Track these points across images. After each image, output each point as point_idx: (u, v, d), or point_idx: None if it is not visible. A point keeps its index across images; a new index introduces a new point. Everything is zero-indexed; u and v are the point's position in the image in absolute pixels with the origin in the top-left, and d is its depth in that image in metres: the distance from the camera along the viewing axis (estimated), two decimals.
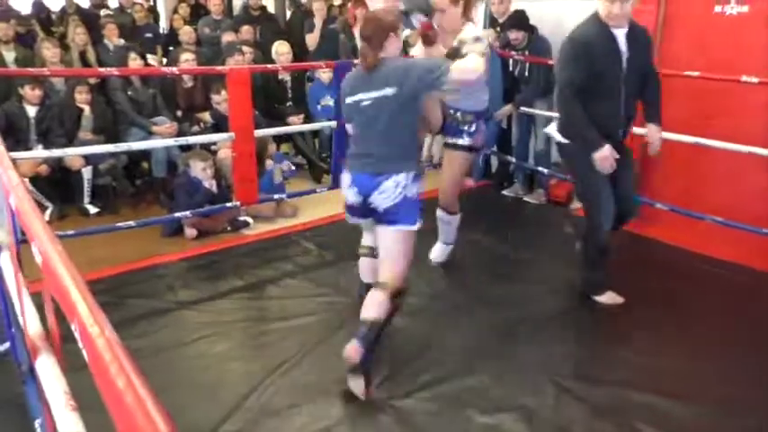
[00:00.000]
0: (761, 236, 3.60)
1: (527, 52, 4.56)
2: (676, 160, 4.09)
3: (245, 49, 5.35)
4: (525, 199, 4.83)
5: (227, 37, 5.72)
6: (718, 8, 3.80)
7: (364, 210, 2.53)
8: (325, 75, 5.24)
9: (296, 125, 4.94)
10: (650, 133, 3.06)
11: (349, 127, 2.64)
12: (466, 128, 3.25)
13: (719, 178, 3.89)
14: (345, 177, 2.56)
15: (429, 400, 2.43)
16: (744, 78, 3.44)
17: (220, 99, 4.50)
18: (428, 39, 3.01)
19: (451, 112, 3.22)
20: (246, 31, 6.06)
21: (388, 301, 2.48)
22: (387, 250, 2.53)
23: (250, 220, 4.25)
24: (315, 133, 5.42)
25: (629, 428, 2.27)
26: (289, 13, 8.02)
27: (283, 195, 4.31)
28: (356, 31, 5.96)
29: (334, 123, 4.32)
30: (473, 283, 3.46)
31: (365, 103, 2.48)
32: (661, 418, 2.33)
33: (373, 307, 2.46)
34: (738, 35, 3.70)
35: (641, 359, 2.70)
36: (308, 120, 5.20)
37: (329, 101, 5.11)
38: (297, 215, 4.45)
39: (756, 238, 3.64)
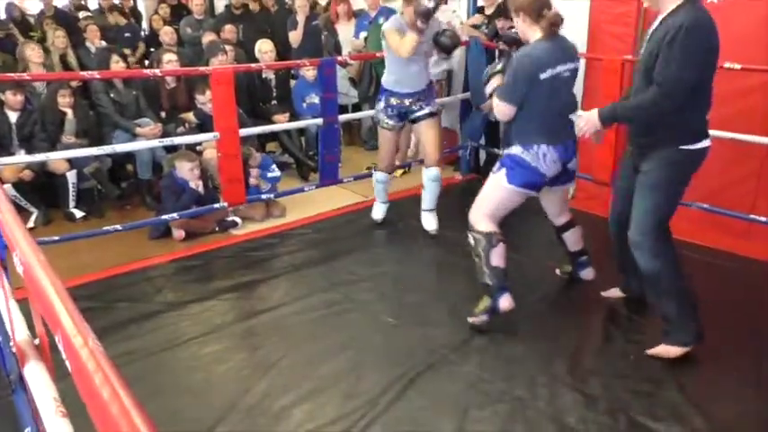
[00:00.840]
0: (745, 221, 3.64)
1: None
2: None
3: (227, 48, 5.32)
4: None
5: (209, 37, 5.68)
6: None
7: (556, 178, 2.82)
8: (309, 72, 5.21)
9: (281, 123, 4.92)
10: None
11: (535, 103, 2.70)
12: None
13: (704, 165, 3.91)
14: (548, 151, 2.70)
15: (422, 393, 2.44)
16: (727, 65, 3.45)
17: (205, 99, 4.47)
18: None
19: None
20: (229, 30, 6.02)
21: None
22: (564, 202, 3.13)
23: (238, 220, 4.23)
24: (301, 131, 5.40)
25: (625, 419, 2.29)
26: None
27: (271, 195, 4.30)
28: (339, 27, 6.01)
29: (320, 121, 4.30)
30: (463, 276, 3.46)
31: (565, 74, 2.70)
32: (655, 406, 2.36)
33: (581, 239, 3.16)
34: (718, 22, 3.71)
35: (634, 348, 2.73)
36: (293, 118, 5.18)
37: (314, 98, 5.09)
38: (285, 215, 4.43)
39: (739, 223, 3.68)
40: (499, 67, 2.86)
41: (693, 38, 2.25)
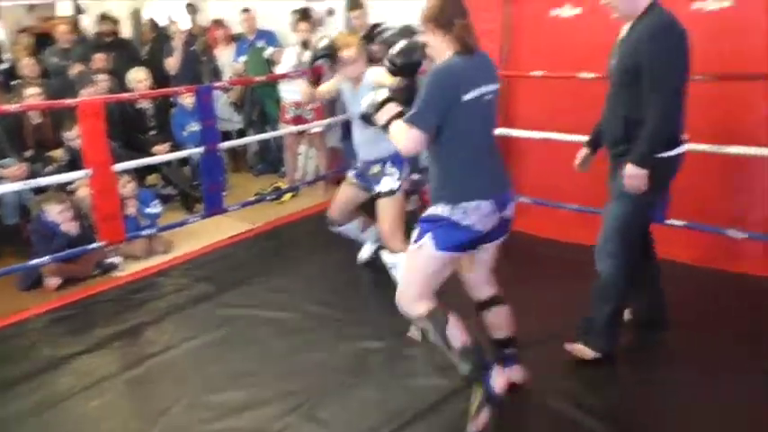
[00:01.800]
0: None
1: None
2: (534, 156, 4.36)
3: (99, 77, 5.06)
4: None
5: (78, 67, 5.38)
6: (553, 12, 4.09)
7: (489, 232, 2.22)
8: (188, 100, 5.06)
9: (161, 155, 4.73)
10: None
11: (459, 133, 2.13)
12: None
13: (571, 169, 4.17)
14: (482, 205, 2.14)
15: (320, 422, 2.41)
16: (582, 75, 3.71)
17: (73, 135, 4.21)
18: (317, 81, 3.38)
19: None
20: (99, 59, 5.73)
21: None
22: (491, 268, 2.41)
23: (119, 260, 4.01)
24: (184, 161, 5.23)
25: None
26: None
27: (153, 230, 4.11)
28: (218, 52, 5.89)
29: (201, 149, 4.18)
30: (353, 297, 3.49)
31: (488, 97, 2.16)
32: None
33: (510, 322, 2.45)
34: (574, 35, 3.99)
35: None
36: (174, 148, 5.00)
37: (194, 126, 4.94)
38: (170, 250, 4.26)
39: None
40: (382, 97, 2.25)
41: (667, 37, 2.33)
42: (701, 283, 3.39)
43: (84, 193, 4.07)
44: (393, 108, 2.21)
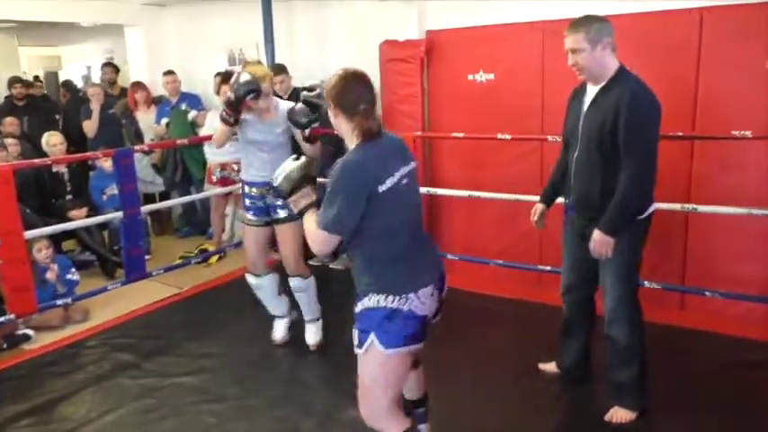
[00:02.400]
0: (535, 272, 4.07)
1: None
2: (458, 213, 4.50)
3: (8, 142, 4.86)
4: (331, 266, 4.90)
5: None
6: (470, 76, 4.33)
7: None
8: (107, 163, 4.92)
9: (78, 219, 4.55)
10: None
11: (378, 223, 1.95)
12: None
13: (494, 225, 4.34)
14: (422, 291, 1.98)
15: None
16: (499, 136, 3.91)
17: None
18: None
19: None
20: (9, 123, 5.51)
21: None
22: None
23: (31, 332, 3.76)
24: (103, 226, 5.04)
25: None
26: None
27: (68, 299, 3.90)
28: (138, 115, 5.81)
29: (120, 214, 4.06)
30: (284, 362, 3.41)
31: (405, 181, 2.01)
32: None
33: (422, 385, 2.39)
34: (489, 99, 4.23)
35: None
36: (92, 212, 4.83)
37: (114, 190, 4.79)
38: (88, 318, 4.05)
39: (531, 274, 4.11)
40: (296, 173, 2.07)
41: (644, 106, 2.35)
42: None
43: None
44: (307, 196, 2.06)
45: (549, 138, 3.76)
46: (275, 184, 2.12)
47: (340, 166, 1.93)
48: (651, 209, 2.53)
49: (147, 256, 4.59)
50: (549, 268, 3.93)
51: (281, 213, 3.27)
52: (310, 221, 2.00)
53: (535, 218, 2.90)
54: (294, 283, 3.37)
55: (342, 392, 2.87)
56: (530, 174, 4.11)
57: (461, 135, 4.11)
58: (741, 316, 3.55)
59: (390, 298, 1.94)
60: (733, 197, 3.42)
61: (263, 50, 5.13)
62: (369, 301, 1.97)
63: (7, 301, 3.54)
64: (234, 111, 3.06)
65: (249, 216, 3.35)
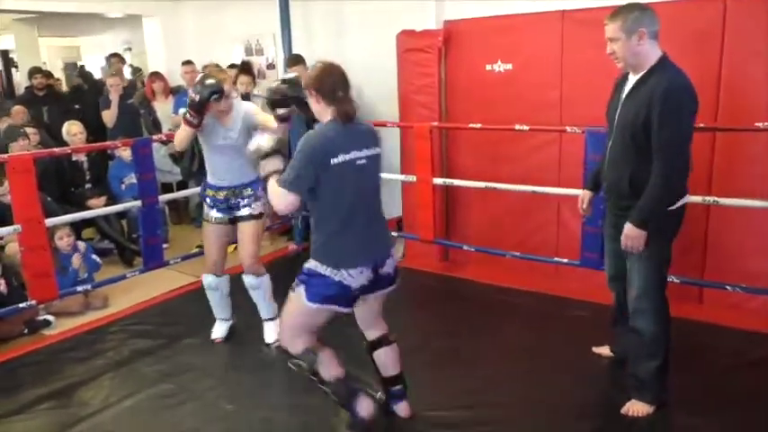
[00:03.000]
0: (552, 264, 4.04)
1: None
2: (475, 205, 4.48)
3: (29, 131, 4.92)
4: None
5: (5, 122, 5.22)
6: (488, 67, 4.29)
7: (371, 286, 2.38)
8: (125, 152, 4.97)
9: (97, 208, 4.60)
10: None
11: (328, 193, 2.26)
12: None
13: (511, 216, 4.32)
14: (351, 271, 2.29)
15: None
16: (517, 127, 3.88)
17: (3, 191, 4.05)
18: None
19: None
20: (17, 112, 5.51)
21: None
22: (381, 306, 2.56)
23: (51, 318, 3.82)
24: (122, 215, 5.09)
25: None
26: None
27: (88, 286, 3.95)
28: (156, 105, 5.85)
29: (139, 203, 4.10)
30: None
31: (361, 162, 2.28)
32: None
33: (399, 359, 2.61)
34: (507, 89, 4.19)
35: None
36: (111, 201, 4.88)
37: (133, 179, 4.83)
38: (108, 305, 4.10)
39: (548, 266, 4.08)
40: (267, 144, 2.35)
41: (679, 99, 2.33)
42: None
43: (13, 249, 3.89)
44: (274, 163, 2.33)
45: (568, 129, 3.73)
46: (250, 150, 2.37)
47: (304, 137, 2.25)
48: (683, 201, 2.51)
49: (164, 245, 4.63)
50: (566, 261, 3.91)
51: (244, 211, 3.29)
52: (273, 183, 2.28)
53: (584, 206, 2.90)
54: (248, 280, 3.36)
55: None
56: (548, 165, 4.08)
57: (479, 126, 4.08)
58: (760, 310, 3.51)
59: (324, 267, 2.28)
60: (755, 190, 3.37)
61: (280, 41, 5.15)
62: (310, 263, 2.33)
63: (29, 287, 3.59)
64: (198, 113, 3.06)
65: (213, 214, 3.33)
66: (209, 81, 3.03)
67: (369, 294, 2.41)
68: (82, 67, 9.42)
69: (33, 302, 3.57)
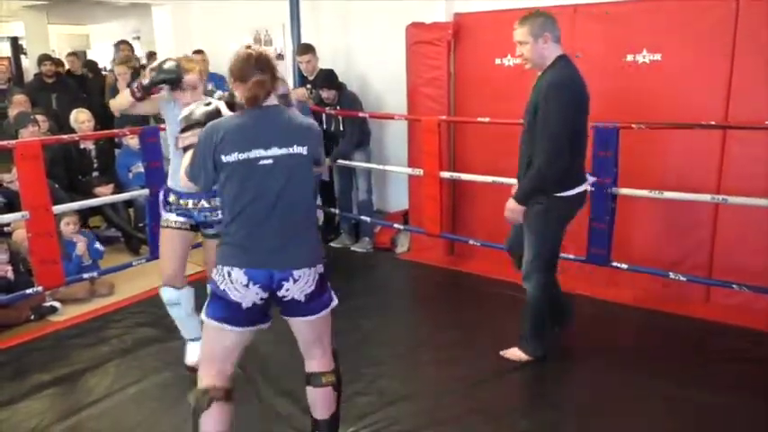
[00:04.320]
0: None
1: (338, 107, 4.73)
2: (483, 199, 4.46)
3: (39, 118, 4.93)
4: (353, 248, 4.94)
5: (14, 110, 5.21)
6: (498, 60, 4.27)
7: (291, 309, 2.09)
8: (133, 141, 4.98)
9: (104, 196, 4.62)
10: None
11: (230, 192, 2.01)
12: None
13: None
14: (234, 273, 2.00)
15: None
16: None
17: (11, 177, 4.07)
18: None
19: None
20: (18, 101, 5.48)
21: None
22: (320, 336, 2.18)
23: (57, 304, 3.84)
24: (129, 203, 5.11)
25: None
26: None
27: (94, 273, 3.97)
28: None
29: (146, 191, 4.10)
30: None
31: (266, 162, 1.98)
32: None
33: (329, 405, 2.23)
34: (517, 83, 4.16)
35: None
36: (118, 189, 4.89)
37: (140, 167, 4.85)
38: (113, 292, 4.12)
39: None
40: (198, 116, 2.14)
41: (558, 93, 2.63)
42: (640, 323, 3.51)
43: (21, 236, 3.91)
44: (192, 138, 2.10)
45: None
46: (180, 116, 2.21)
47: (206, 126, 2.04)
48: (575, 190, 2.81)
49: None
50: (572, 256, 3.89)
51: (208, 231, 2.95)
52: (187, 158, 2.10)
53: None
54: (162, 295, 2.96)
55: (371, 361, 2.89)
56: None
57: (487, 120, 4.06)
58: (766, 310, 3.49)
59: (217, 269, 2.02)
60: (765, 189, 3.34)
61: (289, 31, 5.13)
62: (214, 272, 2.05)
63: (35, 273, 3.61)
64: (144, 91, 2.83)
65: (174, 217, 2.89)
66: (168, 66, 2.78)
67: (290, 317, 2.12)
68: (86, 55, 9.44)
69: (40, 289, 3.59)
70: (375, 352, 3.23)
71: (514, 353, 3.07)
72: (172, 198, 2.90)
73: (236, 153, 1.95)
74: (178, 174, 2.35)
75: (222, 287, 2.00)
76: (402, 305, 3.45)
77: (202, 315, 2.08)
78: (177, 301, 2.94)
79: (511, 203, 2.85)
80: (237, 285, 1.99)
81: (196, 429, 2.04)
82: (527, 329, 3.05)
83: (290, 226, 2.03)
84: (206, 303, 2.09)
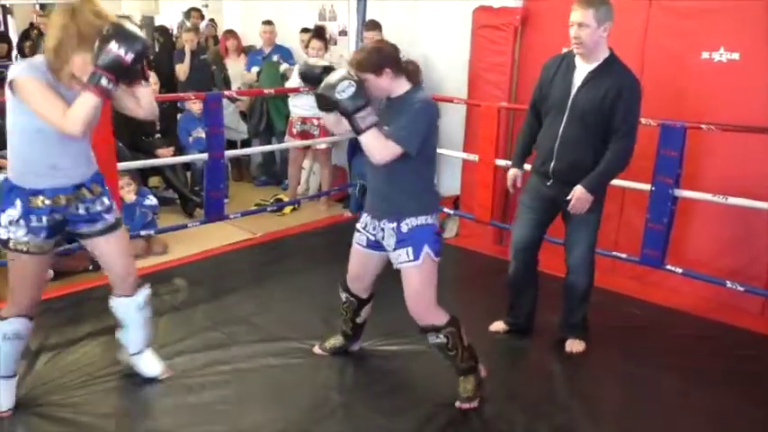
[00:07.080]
0: (609, 258, 3.93)
1: None
2: None
3: None
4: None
5: None
6: (565, 50, 4.15)
7: None
8: (195, 106, 5.10)
9: (165, 157, 4.76)
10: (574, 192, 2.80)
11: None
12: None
13: None
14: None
15: None
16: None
17: None
18: None
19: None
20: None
21: None
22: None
23: None
24: (187, 166, 5.25)
25: None
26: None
27: (151, 231, 4.11)
28: (228, 62, 5.95)
29: (205, 156, 4.20)
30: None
31: None
32: None
33: None
34: None
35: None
36: (178, 152, 5.03)
37: (201, 132, 4.97)
38: (167, 252, 4.26)
39: (605, 260, 3.97)
40: (356, 90, 2.21)
41: (638, 93, 2.72)
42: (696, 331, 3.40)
43: None
44: (372, 112, 2.27)
45: (642, 120, 3.59)
46: (337, 98, 2.22)
47: (425, 103, 2.35)
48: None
49: (225, 200, 4.75)
50: (624, 256, 3.81)
51: (95, 227, 2.43)
52: (376, 136, 2.28)
53: (518, 184, 3.14)
54: (134, 301, 2.67)
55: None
56: None
57: None
58: None
59: (433, 216, 2.45)
60: None
61: (354, 7, 5.12)
62: (424, 218, 2.41)
63: None
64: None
65: (33, 240, 2.27)
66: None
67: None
68: (160, 26, 9.63)
69: None
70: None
71: (578, 345, 3.09)
72: (36, 202, 2.24)
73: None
74: (59, 166, 2.19)
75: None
76: (445, 289, 3.43)
77: (433, 258, 2.43)
78: (24, 336, 2.46)
79: (584, 194, 2.75)
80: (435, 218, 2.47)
81: (464, 346, 2.53)
82: (579, 320, 3.10)
83: None
84: (429, 250, 2.40)
